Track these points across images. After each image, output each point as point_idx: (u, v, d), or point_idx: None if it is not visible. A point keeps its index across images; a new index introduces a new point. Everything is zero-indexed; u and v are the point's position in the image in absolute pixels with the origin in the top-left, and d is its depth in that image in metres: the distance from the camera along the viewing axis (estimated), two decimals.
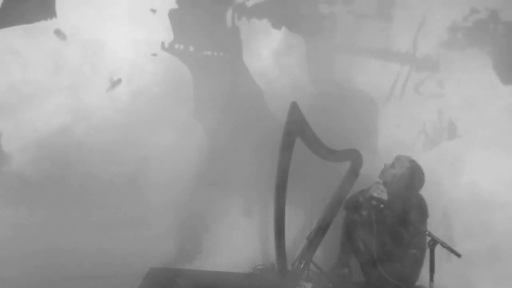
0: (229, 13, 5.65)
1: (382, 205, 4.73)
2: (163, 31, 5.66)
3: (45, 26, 5.46)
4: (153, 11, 5.52)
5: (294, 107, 4.74)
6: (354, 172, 5.19)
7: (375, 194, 4.72)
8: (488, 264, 5.36)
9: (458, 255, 4.33)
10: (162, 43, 5.64)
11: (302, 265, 4.83)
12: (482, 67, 5.58)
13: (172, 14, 5.65)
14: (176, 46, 5.65)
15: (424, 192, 4.91)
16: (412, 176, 4.81)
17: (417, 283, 4.82)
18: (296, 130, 4.74)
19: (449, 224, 5.50)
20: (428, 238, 4.41)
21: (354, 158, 5.19)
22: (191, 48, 5.68)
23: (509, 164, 5.51)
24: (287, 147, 4.70)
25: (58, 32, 5.47)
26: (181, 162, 5.55)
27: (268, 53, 5.70)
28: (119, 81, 5.54)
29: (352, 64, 5.63)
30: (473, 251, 5.29)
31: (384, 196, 4.72)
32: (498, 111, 5.61)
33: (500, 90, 5.62)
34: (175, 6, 5.64)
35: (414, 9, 5.61)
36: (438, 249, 4.28)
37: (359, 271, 4.89)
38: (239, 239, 5.43)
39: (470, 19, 5.64)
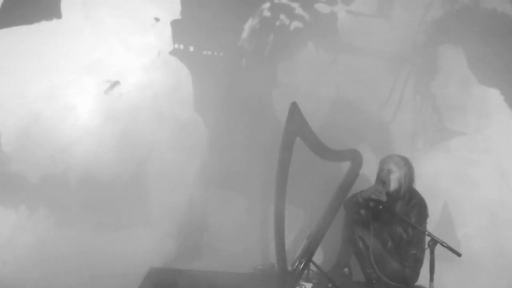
0: (229, 14, 5.65)
1: (380, 207, 4.73)
2: (163, 31, 5.66)
3: (47, 27, 5.47)
4: (157, 19, 5.53)
5: (294, 107, 4.74)
6: (354, 172, 5.18)
7: (373, 196, 4.72)
8: (489, 264, 5.37)
9: (459, 255, 4.33)
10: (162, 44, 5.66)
11: (302, 265, 4.83)
12: (484, 67, 5.59)
13: (173, 15, 5.66)
14: (176, 46, 5.65)
15: (424, 192, 4.91)
16: (411, 170, 4.84)
17: (417, 283, 4.82)
18: (296, 130, 4.74)
19: (449, 224, 5.51)
20: (428, 238, 4.42)
21: (354, 158, 5.18)
22: (191, 48, 5.68)
23: (508, 163, 5.52)
24: (287, 147, 4.70)
25: (60, 33, 5.48)
26: (181, 162, 5.56)
27: (268, 53, 5.71)
28: (117, 82, 5.54)
29: (351, 64, 5.62)
30: (474, 251, 5.30)
31: (383, 198, 4.72)
32: (498, 111, 5.61)
33: (499, 88, 5.63)
34: (177, 7, 5.65)
35: (414, 9, 5.62)
36: (438, 249, 4.28)
37: (359, 271, 4.89)
38: (239, 239, 5.43)
39: (471, 18, 5.65)
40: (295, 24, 5.69)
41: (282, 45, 5.69)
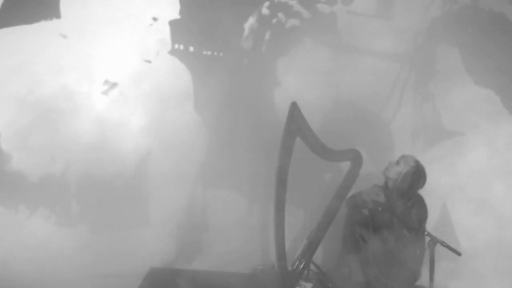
0: (229, 14, 5.66)
1: (380, 208, 4.73)
2: (163, 31, 5.66)
3: (47, 26, 5.47)
4: (155, 19, 5.54)
5: (294, 107, 4.74)
6: (354, 172, 5.18)
7: (370, 198, 4.73)
8: (489, 263, 5.37)
9: (459, 254, 4.34)
10: (161, 44, 5.66)
11: (302, 265, 4.83)
12: (482, 67, 5.59)
13: (172, 15, 5.66)
14: (176, 46, 5.65)
15: (424, 192, 4.92)
16: (416, 175, 4.80)
17: (417, 283, 4.83)
18: (296, 130, 4.74)
19: (448, 223, 5.52)
20: (427, 238, 4.42)
21: (354, 158, 5.17)
22: (191, 48, 5.68)
23: (508, 162, 5.52)
24: (287, 147, 4.70)
25: (59, 33, 5.48)
26: (181, 162, 5.56)
27: (269, 53, 5.71)
28: (115, 83, 5.55)
29: (351, 64, 5.63)
30: (474, 250, 5.31)
31: (380, 199, 4.73)
32: (497, 111, 5.62)
33: (497, 88, 5.63)
34: (176, 7, 5.65)
35: (414, 9, 5.62)
36: (438, 249, 4.29)
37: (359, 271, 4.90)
38: (239, 239, 5.43)
39: (471, 18, 5.65)
40: (293, 22, 5.69)
41: (281, 43, 5.69)
